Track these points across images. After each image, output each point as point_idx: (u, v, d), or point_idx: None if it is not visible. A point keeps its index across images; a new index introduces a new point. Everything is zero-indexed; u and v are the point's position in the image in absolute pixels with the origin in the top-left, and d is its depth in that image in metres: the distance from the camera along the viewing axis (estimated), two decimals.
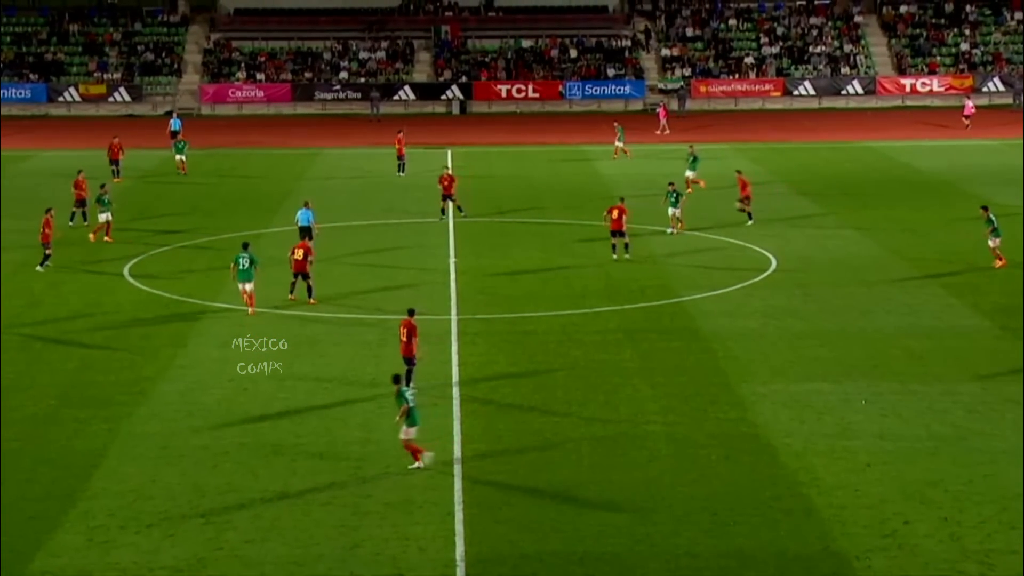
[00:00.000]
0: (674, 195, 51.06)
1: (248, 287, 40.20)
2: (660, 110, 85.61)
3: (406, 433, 27.95)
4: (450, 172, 56.16)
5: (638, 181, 63.70)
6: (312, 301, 41.28)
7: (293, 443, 29.38)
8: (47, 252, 45.89)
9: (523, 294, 42.97)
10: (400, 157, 67.23)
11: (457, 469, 27.95)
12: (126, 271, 46.40)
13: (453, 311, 40.77)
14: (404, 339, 32.84)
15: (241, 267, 40.11)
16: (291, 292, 41.70)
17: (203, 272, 45.49)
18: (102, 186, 52.87)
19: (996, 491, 26.54)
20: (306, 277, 41.39)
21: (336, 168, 71.44)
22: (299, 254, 41.49)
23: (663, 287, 43.55)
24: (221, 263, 44.47)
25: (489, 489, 26.97)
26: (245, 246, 40.99)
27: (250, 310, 40.19)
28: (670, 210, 51.15)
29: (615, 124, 74.50)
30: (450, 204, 55.32)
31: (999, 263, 45.00)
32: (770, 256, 47.70)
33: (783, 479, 27.36)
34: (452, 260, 47.86)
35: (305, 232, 46.93)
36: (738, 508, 25.88)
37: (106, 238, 50.59)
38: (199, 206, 59.22)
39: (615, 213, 47.14)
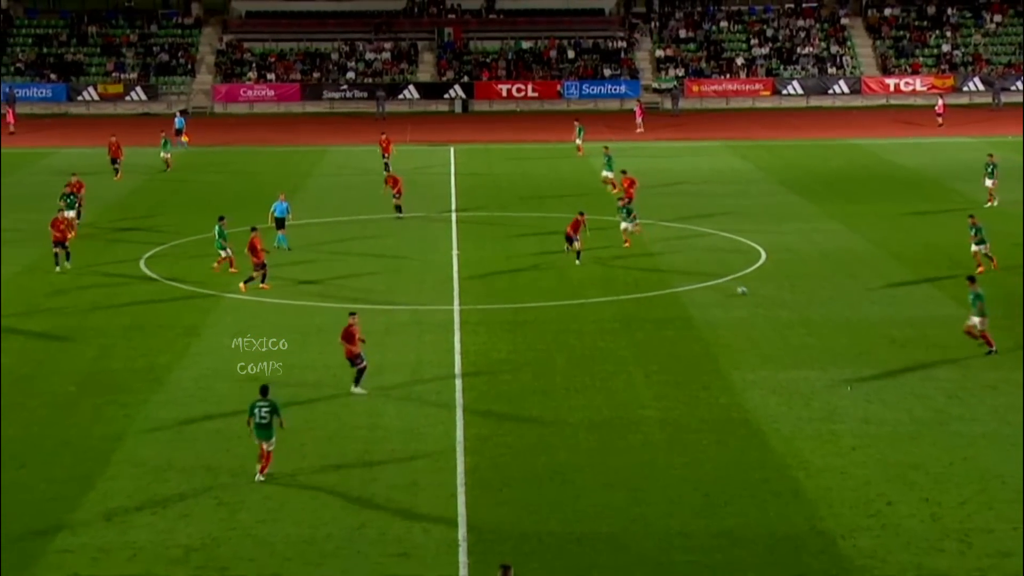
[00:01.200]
0: (625, 210, 48.65)
1: (225, 252, 44.55)
2: (636, 109, 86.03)
3: (269, 444, 27.37)
4: (393, 174, 55.66)
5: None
6: (242, 286, 42.42)
7: (302, 427, 29.70)
8: (66, 250, 46.04)
9: (523, 285, 43.48)
10: (385, 156, 67.52)
11: (460, 453, 28.44)
12: (142, 263, 47.00)
13: (455, 301, 41.31)
14: (345, 343, 32.62)
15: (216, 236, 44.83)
16: (258, 282, 42.63)
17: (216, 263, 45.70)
18: (67, 184, 53.53)
19: (975, 473, 27.10)
20: (258, 267, 42.48)
21: (343, 165, 71.90)
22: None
23: (657, 278, 44.05)
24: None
25: (490, 472, 27.45)
26: (220, 219, 44.92)
27: (229, 268, 44.19)
28: (623, 224, 48.39)
29: (575, 123, 75.15)
30: (393, 202, 54.92)
31: (980, 269, 42.98)
32: (760, 249, 48.17)
33: (772, 462, 27.86)
34: (455, 252, 48.35)
35: (280, 224, 48.60)
36: (729, 490, 26.38)
37: (70, 234, 51.10)
38: (211, 201, 59.26)
39: (569, 226, 46.66)
